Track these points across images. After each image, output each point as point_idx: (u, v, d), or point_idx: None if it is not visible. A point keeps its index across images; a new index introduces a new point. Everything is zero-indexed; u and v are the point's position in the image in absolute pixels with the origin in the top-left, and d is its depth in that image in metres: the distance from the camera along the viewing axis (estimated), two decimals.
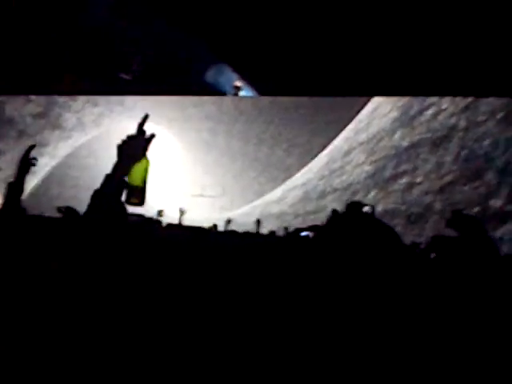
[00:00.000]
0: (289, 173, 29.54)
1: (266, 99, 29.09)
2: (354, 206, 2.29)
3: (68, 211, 4.73)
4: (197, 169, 32.40)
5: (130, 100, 27.16)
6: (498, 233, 11.92)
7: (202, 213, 29.74)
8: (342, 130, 26.23)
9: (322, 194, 23.35)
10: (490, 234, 2.57)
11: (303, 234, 3.17)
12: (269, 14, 7.08)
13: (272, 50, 8.12)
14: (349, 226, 1.70)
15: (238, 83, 9.30)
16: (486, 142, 14.10)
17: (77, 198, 27.01)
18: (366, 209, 2.42)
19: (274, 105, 29.55)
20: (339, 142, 25.79)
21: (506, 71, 7.77)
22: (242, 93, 9.63)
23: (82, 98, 23.23)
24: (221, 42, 7.99)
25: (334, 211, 2.01)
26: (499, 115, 13.93)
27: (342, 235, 1.68)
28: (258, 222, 9.27)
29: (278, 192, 28.87)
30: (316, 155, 27.80)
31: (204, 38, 7.93)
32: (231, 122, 31.27)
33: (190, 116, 30.73)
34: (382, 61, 8.12)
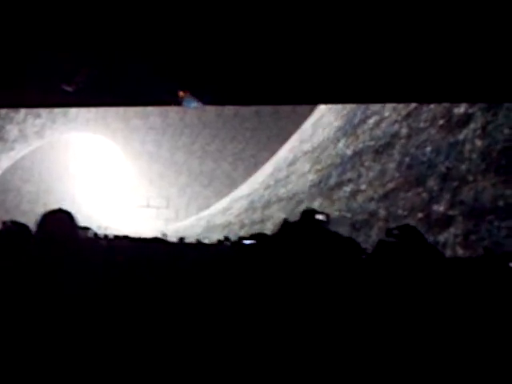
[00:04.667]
0: (234, 186, 29.52)
1: (212, 113, 29.10)
2: (308, 214, 2.21)
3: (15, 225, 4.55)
4: (141, 181, 32.06)
5: (73, 111, 26.79)
6: (442, 237, 12.07)
7: (146, 224, 29.39)
8: (286, 142, 26.41)
9: (268, 204, 23.36)
10: (433, 239, 2.61)
11: (247, 242, 3.06)
12: (214, 25, 6.98)
13: (215, 59, 8.02)
14: (301, 234, 1.71)
15: (182, 93, 9.18)
16: (428, 149, 14.33)
17: (19, 208, 26.44)
18: (319, 217, 2.35)
19: (219, 118, 29.58)
20: (284, 151, 25.93)
21: (447, 77, 7.87)
22: (185, 103, 9.51)
23: (24, 110, 22.79)
24: (163, 52, 7.86)
25: (285, 220, 1.97)
26: (440, 122, 14.18)
27: (294, 242, 1.68)
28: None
29: (223, 203, 28.78)
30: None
31: (146, 49, 7.78)
32: (176, 134, 31.13)
33: (135, 127, 30.48)
34: (324, 68, 8.11)
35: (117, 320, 1.96)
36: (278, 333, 1.58)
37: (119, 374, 1.83)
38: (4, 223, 4.16)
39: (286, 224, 1.88)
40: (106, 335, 1.88)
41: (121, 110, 27.55)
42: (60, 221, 2.76)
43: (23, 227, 3.60)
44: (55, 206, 2.88)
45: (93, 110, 26.03)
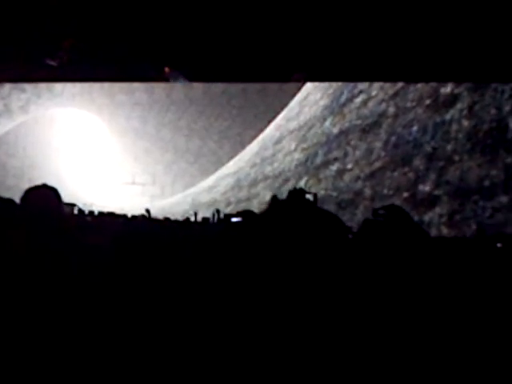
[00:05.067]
0: (220, 165, 29.43)
1: (198, 90, 28.91)
2: (296, 193, 2.19)
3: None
4: (126, 157, 31.87)
5: (58, 86, 26.50)
6: (427, 217, 12.12)
7: (132, 201, 29.30)
8: (273, 120, 26.34)
9: (254, 182, 23.32)
10: (418, 219, 2.62)
11: (234, 219, 3.02)
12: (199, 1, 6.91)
13: (200, 34, 7.94)
14: (291, 212, 1.69)
15: (168, 69, 9.09)
16: (415, 128, 14.34)
17: (4, 183, 26.26)
18: (307, 196, 2.33)
19: (206, 95, 29.41)
20: (270, 130, 25.86)
21: (434, 56, 7.84)
22: (171, 78, 9.43)
23: (8, 84, 22.51)
24: (149, 27, 7.76)
25: (274, 197, 1.94)
26: (427, 101, 14.18)
27: (285, 220, 1.66)
28: (195, 214, 9.08)
29: (209, 181, 28.72)
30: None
31: (131, 23, 7.68)
32: (162, 110, 30.94)
33: (120, 103, 30.24)
34: (311, 45, 8.06)
35: (102, 299, 1.93)
36: (267, 311, 1.56)
37: (106, 357, 1.81)
38: None
39: (274, 202, 1.86)
40: (91, 316, 1.85)
41: (106, 85, 27.30)
42: (44, 196, 2.72)
43: (8, 202, 3.56)
44: (40, 182, 2.84)
45: (78, 85, 25.76)
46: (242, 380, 1.57)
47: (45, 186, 2.82)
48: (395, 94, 15.94)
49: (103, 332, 1.85)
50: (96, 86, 27.48)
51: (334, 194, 16.70)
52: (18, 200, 2.80)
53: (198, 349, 1.70)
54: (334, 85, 19.86)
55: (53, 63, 8.69)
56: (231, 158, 28.72)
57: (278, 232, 1.68)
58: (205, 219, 8.58)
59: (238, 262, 1.95)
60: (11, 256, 2.20)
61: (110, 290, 2.00)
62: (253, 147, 26.75)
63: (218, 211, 7.66)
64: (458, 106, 12.81)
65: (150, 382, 1.77)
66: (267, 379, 1.51)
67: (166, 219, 7.26)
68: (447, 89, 13.40)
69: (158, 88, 29.38)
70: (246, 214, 2.98)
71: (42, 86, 25.10)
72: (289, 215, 1.72)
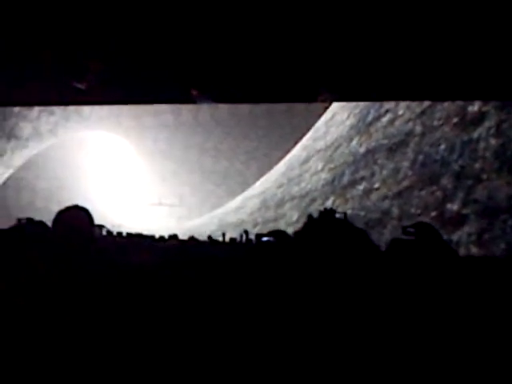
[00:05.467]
0: (247, 186, 29.43)
1: (225, 111, 29.07)
2: (327, 213, 2.22)
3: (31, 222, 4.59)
4: (153, 178, 32.08)
5: (86, 109, 26.87)
6: (456, 236, 12.00)
7: (159, 222, 29.45)
8: (299, 141, 26.33)
9: (281, 202, 23.31)
10: (447, 238, 2.61)
11: (265, 239, 3.05)
12: (224, 22, 7.00)
13: (226, 56, 8.03)
14: (326, 231, 1.73)
15: (195, 91, 9.18)
16: (442, 147, 14.25)
17: (33, 205, 26.59)
18: (338, 215, 2.35)
19: (233, 116, 29.54)
20: (297, 150, 25.87)
21: (461, 75, 7.82)
22: (198, 100, 9.51)
23: (37, 108, 22.91)
24: (175, 49, 7.87)
25: (310, 216, 1.98)
26: (454, 120, 14.10)
27: (321, 239, 1.69)
28: (223, 234, 9.12)
29: (236, 201, 28.76)
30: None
31: (157, 46, 7.80)
32: (189, 132, 31.12)
33: (147, 125, 30.51)
34: (336, 65, 8.10)
35: (130, 318, 1.97)
36: (300, 328, 1.59)
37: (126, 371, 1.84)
38: (19, 220, 4.17)
39: (310, 221, 1.90)
40: (118, 334, 1.89)
41: (133, 107, 27.62)
42: (77, 218, 2.77)
43: (39, 224, 3.62)
44: (69, 203, 2.88)
45: (106, 108, 26.12)
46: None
47: (77, 207, 2.87)
48: (422, 113, 15.88)
49: (133, 353, 1.89)
50: (123, 109, 27.81)
51: (362, 213, 16.62)
52: (48, 222, 2.84)
53: (217, 366, 1.73)
54: (361, 104, 19.85)
55: (81, 86, 8.83)
56: (258, 179, 28.71)
57: (312, 251, 1.72)
58: (232, 240, 8.59)
59: (271, 281, 1.98)
60: (44, 277, 2.24)
61: (139, 310, 2.03)
62: (279, 168, 26.78)
63: (246, 232, 7.68)
64: (486, 124, 12.71)
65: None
66: None
67: (194, 239, 7.29)
68: (474, 107, 13.32)
69: (185, 110, 29.61)
70: (277, 233, 3.00)
71: (71, 109, 25.50)
72: (323, 234, 1.75)
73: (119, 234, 9.17)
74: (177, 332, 1.94)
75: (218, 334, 1.89)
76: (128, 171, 33.03)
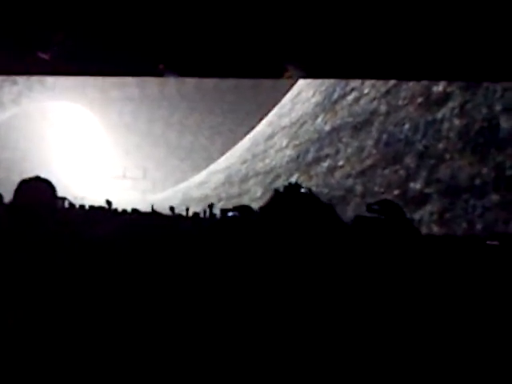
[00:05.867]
0: (212, 161, 29.35)
1: (191, 85, 28.82)
2: (292, 188, 2.19)
3: None
4: (118, 151, 31.79)
5: (50, 80, 26.39)
6: (418, 215, 12.16)
7: (123, 195, 29.23)
8: (265, 117, 26.30)
9: (245, 178, 23.32)
10: (409, 216, 2.61)
11: (230, 214, 3.01)
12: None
13: (193, 30, 7.92)
14: (293, 205, 1.68)
15: (161, 65, 9.06)
16: (406, 127, 14.38)
17: None
18: (303, 190, 2.33)
19: (198, 91, 29.33)
20: (262, 126, 25.85)
21: (426, 55, 7.86)
22: (165, 74, 9.39)
23: (0, 77, 22.42)
24: (142, 22, 7.74)
25: (276, 191, 1.94)
26: (419, 100, 14.22)
27: (288, 212, 1.65)
28: (187, 209, 9.06)
29: (200, 176, 28.68)
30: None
31: (124, 18, 7.65)
32: (154, 106, 30.85)
33: (113, 98, 30.13)
34: (303, 41, 8.06)
35: (99, 295, 1.93)
36: (266, 307, 1.56)
37: (102, 354, 1.81)
38: None
39: (276, 195, 1.85)
40: (88, 312, 1.84)
41: (99, 79, 27.19)
42: (39, 189, 2.70)
43: None
44: (31, 175, 2.81)
45: (71, 79, 25.65)
46: (240, 379, 1.57)
47: (39, 179, 2.80)
48: (387, 92, 15.98)
49: (101, 328, 1.85)
50: (89, 81, 27.39)
51: (325, 190, 16.71)
52: (9, 193, 2.78)
53: (193, 347, 1.70)
54: (327, 82, 19.87)
55: (45, 56, 8.64)
56: (223, 154, 28.64)
57: (280, 225, 1.68)
58: (196, 214, 8.56)
59: (236, 256, 1.95)
60: (7, 249, 2.19)
61: (106, 285, 1.99)
62: (244, 143, 26.74)
63: (210, 206, 7.65)
64: (450, 104, 12.85)
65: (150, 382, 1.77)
66: (265, 378, 1.52)
67: (158, 214, 7.23)
68: (439, 87, 13.45)
69: (150, 83, 29.28)
70: (242, 208, 2.97)
71: (34, 79, 25.02)
72: (290, 208, 1.72)
73: (81, 206, 9.07)
74: (137, 308, 1.90)
75: (179, 311, 1.86)
76: (92, 143, 32.65)
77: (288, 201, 1.73)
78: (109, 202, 7.43)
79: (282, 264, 1.59)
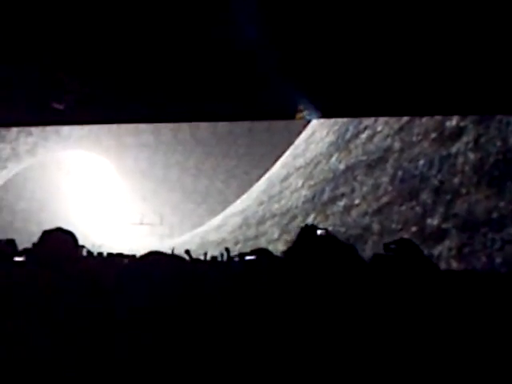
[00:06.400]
0: (228, 204, 29.39)
1: (205, 130, 29.11)
2: (309, 230, 2.19)
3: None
4: (134, 198, 31.96)
5: (65, 129, 26.76)
6: (436, 250, 12.04)
7: (141, 241, 29.27)
8: (279, 159, 26.40)
9: (262, 220, 23.30)
10: (428, 252, 2.61)
11: (248, 258, 3.00)
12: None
13: (203, 75, 8.02)
14: (313, 246, 1.68)
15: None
16: (421, 162, 14.35)
17: (13, 226, 26.31)
18: (319, 232, 2.33)
19: (213, 136, 29.58)
20: (277, 167, 25.93)
21: (438, 90, 7.88)
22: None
23: (15, 128, 22.79)
24: (151, 69, 7.86)
25: (303, 229, 1.94)
26: (433, 135, 14.22)
27: (310, 254, 1.64)
28: (205, 254, 9.01)
29: (217, 220, 28.70)
30: None
31: (135, 67, 7.78)
32: (169, 151, 31.10)
33: (128, 145, 30.44)
34: (315, 83, 8.12)
35: (115, 341, 1.90)
36: (291, 350, 1.54)
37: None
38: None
39: (303, 236, 1.85)
40: (107, 359, 1.82)
41: (113, 127, 27.57)
42: (62, 240, 2.71)
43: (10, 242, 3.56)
44: (48, 224, 2.84)
45: (85, 127, 26.04)
46: None
47: (61, 230, 2.81)
48: (400, 129, 16.01)
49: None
50: (103, 128, 27.76)
51: (342, 229, 16.64)
52: (28, 243, 2.80)
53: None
54: (340, 121, 19.98)
55: (59, 107, 8.76)
56: (238, 197, 28.67)
57: (301, 267, 1.67)
58: (213, 258, 8.54)
59: (258, 299, 1.94)
60: (26, 299, 2.18)
61: (129, 332, 1.97)
62: (260, 185, 26.81)
63: (227, 250, 7.62)
64: (464, 139, 12.84)
65: None
66: None
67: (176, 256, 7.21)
68: (452, 122, 13.46)
69: (165, 129, 29.60)
70: (260, 252, 2.95)
71: (50, 129, 25.41)
72: (311, 250, 1.70)
73: (100, 254, 9.09)
74: (156, 353, 1.87)
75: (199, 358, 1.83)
76: (108, 191, 32.88)
77: (307, 243, 1.72)
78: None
79: (307, 305, 1.58)
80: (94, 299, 2.25)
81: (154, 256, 2.13)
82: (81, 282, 2.46)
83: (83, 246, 7.81)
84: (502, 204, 10.60)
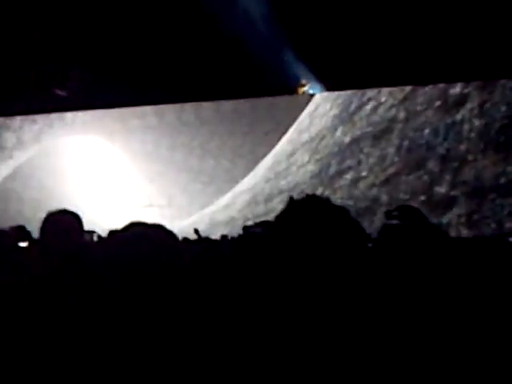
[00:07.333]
0: (235, 183, 29.30)
1: (209, 110, 28.99)
2: (310, 199, 2.19)
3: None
4: (141, 180, 31.93)
5: (69, 115, 26.68)
6: (445, 218, 12.05)
7: (151, 223, 29.31)
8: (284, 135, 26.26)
9: (270, 197, 23.30)
10: (437, 221, 2.60)
11: (253, 230, 3.03)
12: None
13: (206, 56, 8.01)
14: (309, 212, 1.66)
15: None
16: (427, 131, 14.31)
17: (22, 213, 26.37)
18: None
19: (217, 114, 29.45)
20: (283, 144, 25.83)
21: (441, 58, 7.84)
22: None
23: (19, 117, 22.77)
24: (152, 52, 7.85)
25: (291, 199, 1.93)
26: (437, 103, 14.15)
27: (303, 223, 1.63)
28: (197, 231, 9.01)
29: (225, 199, 28.69)
30: None
31: (137, 50, 7.76)
32: (174, 132, 30.99)
33: (132, 128, 30.34)
34: (316, 55, 8.09)
35: (120, 324, 1.92)
36: (287, 317, 1.55)
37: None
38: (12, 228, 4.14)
39: (291, 204, 1.84)
40: (109, 341, 1.84)
41: (117, 110, 27.48)
42: (65, 223, 2.74)
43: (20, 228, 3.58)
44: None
45: (89, 112, 25.94)
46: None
47: (65, 212, 2.83)
48: (404, 99, 15.93)
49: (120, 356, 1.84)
50: (107, 112, 27.66)
51: (351, 202, 16.63)
52: (38, 230, 2.81)
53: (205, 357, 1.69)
54: (343, 94, 19.84)
55: (62, 93, 8.77)
56: (245, 175, 28.55)
57: (296, 237, 1.66)
58: (223, 237, 8.58)
59: (257, 273, 1.95)
60: (33, 283, 2.21)
61: (130, 314, 1.98)
62: (266, 162, 26.72)
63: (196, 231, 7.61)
64: (468, 105, 12.78)
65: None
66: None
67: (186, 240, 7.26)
68: (456, 89, 13.38)
69: (168, 111, 29.46)
70: (264, 224, 2.99)
71: (54, 115, 25.31)
72: (306, 218, 1.70)
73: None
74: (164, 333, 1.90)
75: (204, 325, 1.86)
76: (115, 174, 32.84)
77: (301, 208, 1.72)
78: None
79: (301, 275, 1.58)
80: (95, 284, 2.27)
81: (133, 227, 2.14)
82: (83, 268, 2.47)
83: (94, 232, 7.83)
84: (509, 169, 10.59)
